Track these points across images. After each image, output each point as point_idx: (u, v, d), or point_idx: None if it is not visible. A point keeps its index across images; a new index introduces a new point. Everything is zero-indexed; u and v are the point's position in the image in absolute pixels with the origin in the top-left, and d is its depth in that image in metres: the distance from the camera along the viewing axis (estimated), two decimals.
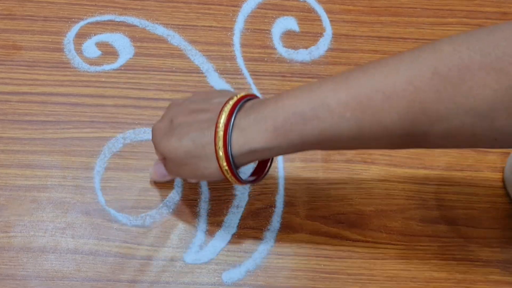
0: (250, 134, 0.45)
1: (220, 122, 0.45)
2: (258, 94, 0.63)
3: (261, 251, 0.56)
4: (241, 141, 0.45)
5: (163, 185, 0.58)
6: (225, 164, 0.45)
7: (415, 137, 0.42)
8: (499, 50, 0.37)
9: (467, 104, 0.38)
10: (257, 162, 0.52)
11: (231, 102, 0.46)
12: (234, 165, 0.46)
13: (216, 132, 0.45)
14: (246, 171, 0.53)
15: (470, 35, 0.40)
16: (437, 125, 0.40)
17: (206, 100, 0.49)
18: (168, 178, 0.55)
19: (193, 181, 0.56)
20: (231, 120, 0.45)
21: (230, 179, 0.47)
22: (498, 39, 0.38)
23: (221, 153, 0.45)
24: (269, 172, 0.52)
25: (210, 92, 0.51)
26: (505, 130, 0.39)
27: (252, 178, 0.52)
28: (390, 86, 0.40)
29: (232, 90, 0.63)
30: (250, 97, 0.48)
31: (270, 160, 0.52)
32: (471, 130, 0.40)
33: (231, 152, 0.45)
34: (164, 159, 0.51)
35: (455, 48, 0.39)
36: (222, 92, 0.50)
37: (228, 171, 0.46)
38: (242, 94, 0.47)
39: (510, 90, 0.37)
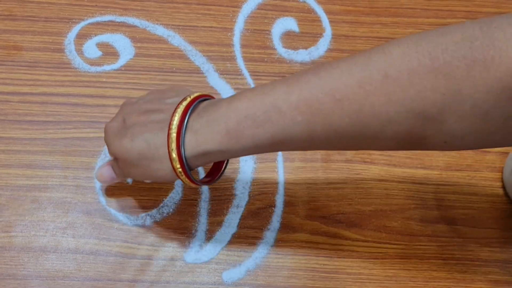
0: (203, 136, 0.44)
1: (173, 123, 0.45)
2: None
3: (261, 251, 0.56)
4: (194, 143, 0.45)
5: (163, 185, 0.58)
6: (178, 166, 0.45)
7: (366, 139, 0.42)
8: (447, 54, 0.38)
9: (416, 107, 0.39)
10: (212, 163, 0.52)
11: (184, 103, 0.46)
12: (187, 166, 0.46)
13: (169, 134, 0.45)
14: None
15: (419, 37, 0.40)
16: (388, 128, 0.40)
17: (160, 100, 0.48)
18: (116, 180, 0.54)
19: (147, 181, 0.55)
20: (184, 122, 0.45)
21: (184, 180, 0.47)
22: (448, 42, 0.38)
23: (174, 154, 0.45)
24: (227, 173, 0.51)
25: (165, 90, 0.50)
26: (455, 133, 0.39)
27: (206, 179, 0.52)
28: (341, 89, 0.40)
29: (231, 90, 0.63)
30: (204, 97, 0.47)
31: (225, 162, 0.52)
32: (421, 133, 0.40)
33: (184, 154, 0.45)
34: (116, 160, 0.50)
35: (404, 51, 0.39)
36: (177, 91, 0.49)
37: (182, 173, 0.46)
38: (196, 94, 0.47)
39: (457, 95, 0.37)
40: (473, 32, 0.38)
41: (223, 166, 0.52)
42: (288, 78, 0.43)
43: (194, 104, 0.46)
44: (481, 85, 0.37)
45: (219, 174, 0.52)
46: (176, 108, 0.45)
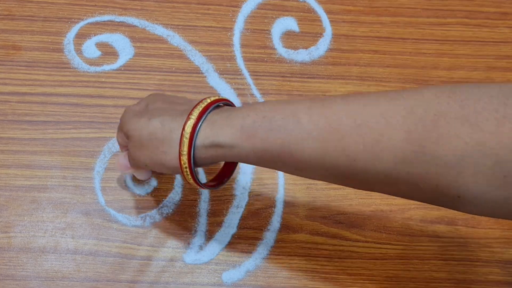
0: (217, 127, 0.44)
1: (194, 111, 0.45)
2: (258, 94, 0.63)
3: (261, 251, 0.56)
4: (207, 133, 0.44)
5: (164, 185, 0.58)
6: (185, 150, 0.44)
7: (377, 175, 0.40)
8: (479, 104, 0.36)
9: (435, 150, 0.37)
10: (219, 170, 0.52)
11: (209, 100, 0.46)
12: (193, 157, 0.45)
13: (188, 119, 0.44)
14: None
15: (455, 86, 0.38)
16: (401, 168, 0.38)
17: (186, 99, 0.49)
18: (130, 170, 0.53)
19: (145, 177, 0.54)
20: (205, 112, 0.45)
21: (185, 172, 0.46)
22: (482, 94, 0.37)
23: (185, 139, 0.44)
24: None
25: (192, 99, 0.51)
26: (470, 188, 0.37)
27: (210, 183, 0.51)
28: (363, 115, 0.39)
29: (231, 90, 0.63)
30: (228, 102, 0.48)
31: (233, 169, 0.51)
32: (435, 180, 0.38)
33: (195, 142, 0.44)
34: (127, 143, 0.49)
35: (436, 94, 0.38)
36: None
37: (186, 163, 0.45)
38: (222, 97, 0.48)
39: (480, 146, 0.35)
40: (510, 90, 0.36)
41: (229, 173, 0.51)
42: (315, 98, 0.44)
43: (218, 103, 0.46)
44: (508, 143, 0.35)
45: (224, 180, 0.51)
46: (201, 101, 0.46)
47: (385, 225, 0.58)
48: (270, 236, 0.57)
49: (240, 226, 0.57)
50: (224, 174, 0.52)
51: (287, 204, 0.58)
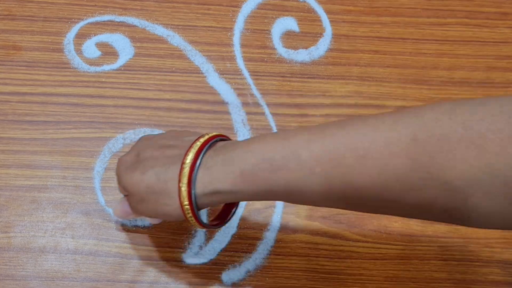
0: (216, 174, 0.43)
1: (187, 158, 0.43)
2: (258, 94, 0.63)
3: (261, 251, 0.56)
4: (206, 180, 0.43)
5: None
6: (186, 202, 0.43)
7: (386, 202, 0.39)
8: (482, 125, 0.35)
9: (442, 176, 0.36)
10: (221, 207, 0.51)
11: (202, 140, 0.45)
12: (196, 205, 0.44)
13: (182, 168, 0.43)
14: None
15: (455, 105, 0.37)
16: (409, 195, 0.38)
17: (177, 138, 0.47)
18: (132, 216, 0.52)
19: (155, 221, 0.54)
20: (198, 158, 0.43)
21: (189, 219, 0.45)
22: (485, 113, 0.36)
23: (184, 190, 0.43)
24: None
25: (183, 131, 0.49)
26: (480, 209, 0.37)
27: (214, 222, 0.50)
28: (365, 146, 0.39)
29: (231, 90, 0.63)
30: (222, 137, 0.46)
31: (235, 207, 0.50)
32: (444, 205, 0.37)
33: (194, 191, 0.43)
34: (127, 195, 0.49)
35: (437, 117, 0.37)
36: (195, 132, 0.48)
37: (189, 210, 0.44)
38: (214, 133, 0.46)
39: (488, 169, 0.35)
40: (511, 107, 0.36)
41: (232, 211, 0.50)
42: (311, 127, 0.42)
43: (210, 142, 0.45)
44: None
45: (228, 218, 0.50)
46: (192, 144, 0.44)
47: (385, 225, 0.58)
48: (270, 236, 0.57)
49: (240, 226, 0.57)
50: (225, 213, 0.51)
51: (287, 204, 0.58)
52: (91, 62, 0.63)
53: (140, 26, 0.66)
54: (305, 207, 0.58)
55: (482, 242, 0.58)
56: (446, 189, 0.36)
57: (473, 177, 0.35)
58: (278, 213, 0.58)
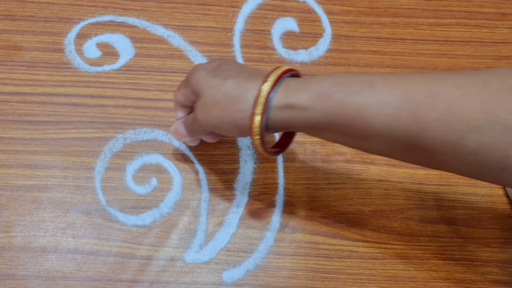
0: (293, 90, 0.45)
1: (271, 76, 0.46)
2: None
3: (261, 251, 0.56)
4: (283, 94, 0.45)
5: (164, 185, 0.58)
6: (260, 110, 0.45)
7: (446, 145, 0.41)
8: None
9: (509, 121, 0.38)
10: (277, 141, 0.53)
11: (283, 68, 0.47)
12: (266, 118, 0.46)
13: (265, 81, 0.45)
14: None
15: None
16: (471, 136, 0.39)
17: (256, 68, 0.51)
18: (187, 137, 0.54)
19: (196, 142, 0.55)
20: (281, 78, 0.46)
21: (254, 133, 0.46)
22: None
23: (261, 99, 0.45)
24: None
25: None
26: None
27: (274, 149, 0.52)
28: (439, 86, 0.41)
29: None
30: (299, 74, 0.49)
31: (293, 136, 0.53)
32: (504, 151, 0.39)
33: (270, 103, 0.45)
34: (194, 98, 0.50)
35: (510, 71, 0.40)
36: None
37: (259, 123, 0.45)
38: (295, 68, 0.49)
39: None
40: None
41: (291, 140, 0.53)
42: (388, 74, 0.44)
43: (291, 72, 0.48)
44: None
45: (287, 146, 0.52)
46: (275, 69, 0.47)
47: (385, 225, 0.58)
48: (270, 236, 0.57)
49: (240, 226, 0.57)
50: (283, 143, 0.53)
51: (287, 204, 0.59)
52: (92, 62, 0.63)
53: (140, 26, 0.66)
54: (305, 207, 0.58)
55: (481, 242, 0.58)
56: (509, 134, 0.38)
57: None
58: (278, 213, 0.58)
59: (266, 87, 0.45)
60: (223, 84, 0.47)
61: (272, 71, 0.46)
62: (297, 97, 0.45)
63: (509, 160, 0.39)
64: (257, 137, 0.46)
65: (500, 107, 0.38)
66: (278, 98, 0.45)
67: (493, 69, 0.41)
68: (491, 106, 0.39)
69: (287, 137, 0.53)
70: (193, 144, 0.58)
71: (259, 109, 0.45)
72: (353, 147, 0.47)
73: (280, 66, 0.47)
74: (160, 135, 0.60)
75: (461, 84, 0.40)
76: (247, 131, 0.46)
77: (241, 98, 0.46)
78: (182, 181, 0.59)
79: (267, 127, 0.46)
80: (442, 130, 0.40)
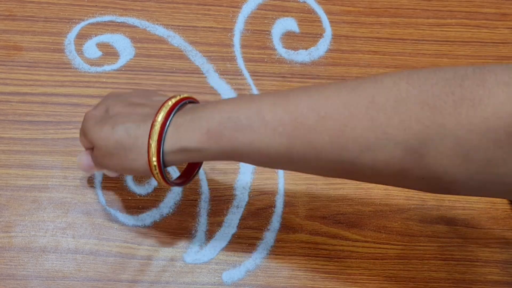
0: (184, 132, 0.44)
1: (158, 117, 0.45)
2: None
3: (261, 251, 0.56)
4: (174, 138, 0.45)
5: (164, 185, 0.58)
6: (154, 159, 0.45)
7: (343, 163, 0.41)
8: (437, 88, 0.37)
9: (398, 136, 0.38)
10: (185, 166, 0.52)
11: (173, 100, 0.46)
12: (163, 162, 0.45)
13: (152, 126, 0.44)
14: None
15: (413, 72, 0.40)
16: (366, 155, 0.40)
17: (147, 97, 0.49)
18: (94, 170, 0.53)
19: (114, 175, 0.54)
20: (169, 116, 0.45)
21: (156, 176, 0.46)
22: (439, 78, 0.38)
23: (153, 146, 0.44)
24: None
25: (150, 90, 0.51)
26: (434, 169, 0.38)
27: (178, 181, 0.51)
28: (327, 107, 0.40)
29: (232, 91, 0.63)
30: (191, 99, 0.48)
31: (199, 166, 0.52)
32: (399, 165, 0.39)
33: (163, 148, 0.45)
34: (92, 149, 0.50)
35: (395, 81, 0.39)
36: (162, 94, 0.50)
37: (156, 167, 0.45)
38: (184, 95, 0.47)
39: (441, 129, 0.37)
40: (465, 72, 0.38)
41: (196, 170, 0.52)
42: (278, 92, 0.44)
43: (181, 103, 0.46)
44: (466, 123, 0.36)
45: (191, 176, 0.52)
46: (164, 104, 0.46)
47: (385, 225, 0.58)
48: (270, 236, 0.57)
49: (240, 226, 0.57)
50: (190, 171, 0.52)
51: (287, 204, 0.59)
52: (92, 63, 0.64)
53: (140, 26, 0.66)
54: (305, 207, 0.58)
55: (481, 242, 0.58)
56: (401, 149, 0.38)
57: (427, 137, 0.38)
58: (278, 213, 0.58)
59: (155, 134, 0.44)
60: (113, 133, 0.46)
61: (159, 110, 0.45)
62: (189, 139, 0.44)
63: (407, 172, 0.39)
64: (159, 177, 0.46)
65: (389, 123, 0.38)
66: (170, 143, 0.45)
67: (379, 79, 0.40)
68: (380, 124, 0.38)
69: (194, 165, 0.52)
70: (111, 175, 0.55)
71: (153, 158, 0.45)
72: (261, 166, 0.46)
73: (168, 100, 0.46)
74: None
75: (349, 103, 0.40)
76: (149, 173, 0.46)
77: (134, 147, 0.46)
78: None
79: (165, 166, 0.46)
80: (336, 152, 0.40)
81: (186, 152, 0.45)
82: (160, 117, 0.45)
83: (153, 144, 0.44)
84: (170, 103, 0.46)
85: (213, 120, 0.43)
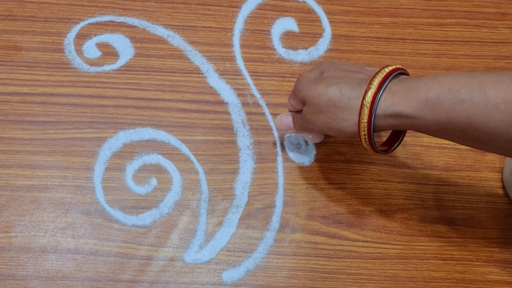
0: (399, 98, 0.45)
1: (374, 80, 0.46)
2: (257, 94, 0.63)
3: (261, 251, 0.56)
4: (389, 103, 0.46)
5: (164, 185, 0.58)
6: (365, 120, 0.46)
7: None
8: None
9: None
10: (388, 138, 0.53)
11: (389, 68, 0.48)
12: (373, 125, 0.47)
13: (368, 88, 0.46)
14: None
15: None
16: None
17: (360, 67, 0.51)
18: (291, 131, 0.56)
19: (316, 138, 0.56)
20: (385, 83, 0.46)
21: (363, 138, 0.48)
22: None
23: (366, 108, 0.46)
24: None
25: (361, 63, 0.53)
26: None
27: (382, 148, 0.52)
28: None
29: (231, 90, 0.63)
30: (404, 71, 0.49)
31: (402, 135, 0.53)
32: None
33: (375, 111, 0.46)
34: (298, 112, 0.52)
35: None
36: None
37: (365, 129, 0.47)
38: (398, 66, 0.49)
39: None
40: None
41: (400, 138, 0.53)
42: (499, 73, 0.44)
43: (396, 73, 0.48)
44: None
45: (395, 145, 0.52)
46: (379, 70, 0.47)
47: (385, 225, 0.58)
48: (270, 236, 0.57)
49: (240, 226, 0.57)
50: (394, 140, 0.53)
51: (287, 204, 0.59)
52: (92, 63, 0.64)
53: (140, 26, 0.66)
54: (305, 207, 0.58)
55: (481, 242, 0.58)
56: None
57: None
58: (278, 213, 0.58)
59: (370, 96, 0.46)
60: (326, 92, 0.48)
61: (375, 76, 0.47)
62: (404, 106, 0.45)
63: None
64: (366, 142, 0.48)
65: None
66: (384, 106, 0.46)
67: None
68: None
69: (398, 133, 0.53)
70: (314, 141, 0.59)
71: (364, 119, 0.46)
72: (463, 145, 0.47)
73: (384, 68, 0.48)
74: (160, 135, 0.60)
75: None
76: (354, 136, 0.48)
77: (346, 108, 0.47)
78: (182, 181, 0.59)
79: (374, 131, 0.47)
80: None
81: (399, 117, 0.46)
82: (376, 82, 0.46)
83: (366, 106, 0.46)
84: (386, 70, 0.47)
85: (432, 90, 0.44)
